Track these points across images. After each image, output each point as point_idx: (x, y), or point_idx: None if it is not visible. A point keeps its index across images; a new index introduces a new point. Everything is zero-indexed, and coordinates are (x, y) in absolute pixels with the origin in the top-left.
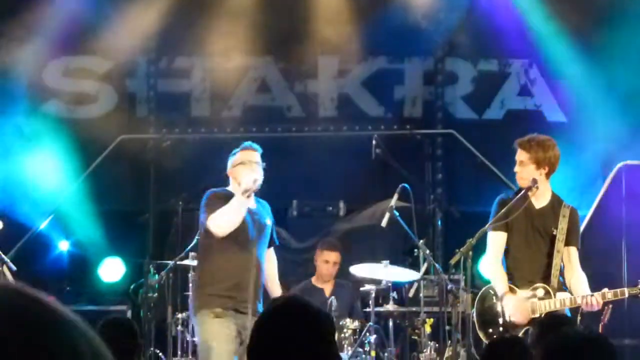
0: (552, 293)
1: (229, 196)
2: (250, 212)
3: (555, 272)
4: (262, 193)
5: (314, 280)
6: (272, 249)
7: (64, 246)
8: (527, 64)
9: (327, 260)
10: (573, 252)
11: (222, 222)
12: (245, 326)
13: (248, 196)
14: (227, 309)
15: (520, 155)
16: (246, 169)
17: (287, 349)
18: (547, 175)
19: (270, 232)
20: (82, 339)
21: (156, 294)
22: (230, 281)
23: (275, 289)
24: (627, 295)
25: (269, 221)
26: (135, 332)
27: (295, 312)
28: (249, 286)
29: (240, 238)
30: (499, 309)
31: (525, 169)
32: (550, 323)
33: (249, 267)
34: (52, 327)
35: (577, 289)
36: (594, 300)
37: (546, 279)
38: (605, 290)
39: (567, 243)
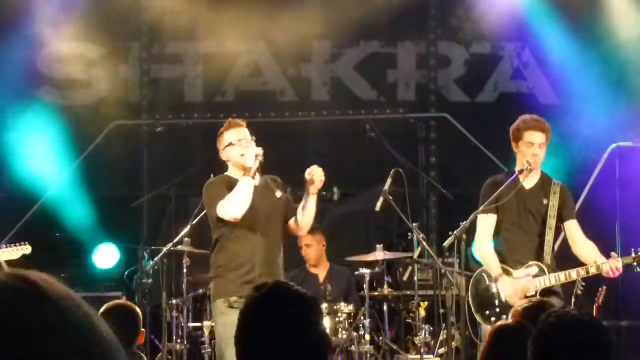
0: (546, 270)
1: (229, 181)
2: (255, 190)
3: (547, 249)
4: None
5: (308, 266)
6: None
7: (58, 233)
8: (520, 47)
9: (308, 245)
10: (573, 224)
11: (233, 206)
12: None
13: (253, 176)
14: (244, 297)
15: (539, 137)
16: (241, 148)
17: (272, 334)
18: None
19: (286, 204)
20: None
21: (151, 280)
22: (245, 267)
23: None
24: (622, 264)
25: (277, 195)
26: (138, 318)
27: (279, 297)
28: (264, 266)
29: (248, 220)
30: (494, 290)
31: (543, 150)
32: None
33: (262, 248)
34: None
35: (588, 258)
36: (614, 266)
37: (539, 257)
38: (590, 265)
39: (565, 218)
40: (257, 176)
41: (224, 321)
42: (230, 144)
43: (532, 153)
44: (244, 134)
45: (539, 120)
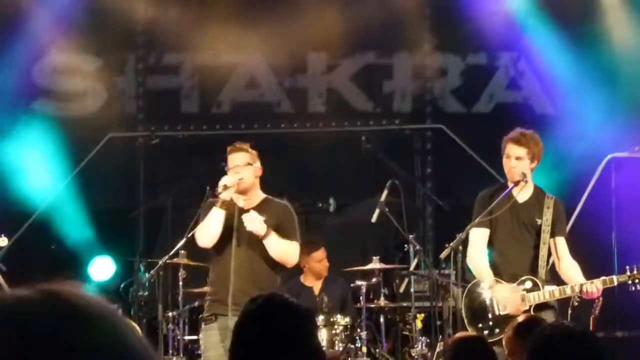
0: (540, 285)
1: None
2: (240, 212)
3: (542, 263)
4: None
5: (302, 278)
6: (287, 240)
7: (53, 245)
8: (515, 57)
9: (318, 260)
10: (561, 242)
11: (201, 236)
12: (226, 327)
13: (222, 206)
14: (212, 314)
15: (516, 150)
16: (224, 176)
17: (267, 346)
18: (534, 168)
19: (275, 229)
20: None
21: (147, 293)
22: (215, 286)
23: None
24: (616, 283)
25: (262, 218)
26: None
27: (275, 309)
28: (225, 289)
29: (224, 241)
30: (487, 303)
31: (521, 164)
32: (525, 328)
33: (229, 269)
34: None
35: (571, 278)
36: (594, 288)
37: (533, 271)
38: (605, 277)
39: (554, 234)
40: (249, 200)
41: (202, 336)
42: (226, 169)
43: (510, 165)
44: (238, 160)
45: (524, 134)
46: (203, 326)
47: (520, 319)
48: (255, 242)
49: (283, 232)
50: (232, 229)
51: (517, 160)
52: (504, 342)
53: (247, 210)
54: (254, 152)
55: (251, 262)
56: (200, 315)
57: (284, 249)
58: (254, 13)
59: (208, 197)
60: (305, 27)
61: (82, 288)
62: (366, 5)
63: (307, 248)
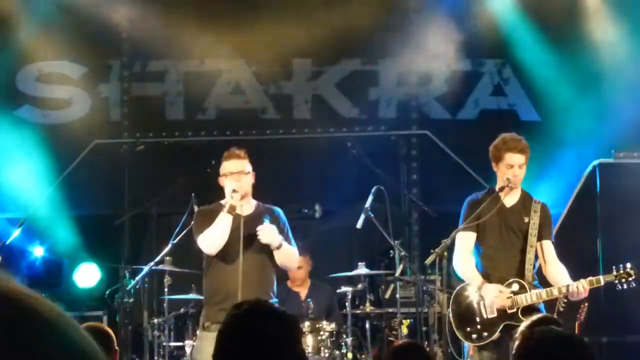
0: (527, 287)
1: (218, 210)
2: (241, 220)
3: (529, 266)
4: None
5: (289, 283)
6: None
7: (39, 252)
8: (500, 64)
9: (299, 267)
10: (548, 245)
11: (207, 243)
12: None
13: (231, 211)
14: (216, 322)
15: (519, 159)
16: (227, 182)
17: (251, 352)
18: None
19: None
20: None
21: (132, 299)
22: (220, 294)
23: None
24: (602, 283)
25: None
26: (111, 340)
27: (259, 315)
28: (231, 296)
29: (228, 249)
30: (475, 307)
31: (523, 170)
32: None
33: (236, 277)
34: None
35: (558, 281)
36: (580, 287)
37: (521, 274)
38: (591, 277)
39: (541, 237)
40: (247, 206)
41: (199, 343)
42: (224, 174)
43: (513, 174)
44: (238, 167)
45: (519, 140)
46: (201, 333)
47: (534, 318)
48: (260, 249)
49: (283, 236)
50: (237, 235)
51: (520, 168)
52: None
53: (248, 217)
54: (247, 158)
55: (258, 269)
56: (203, 323)
57: (290, 256)
58: (239, 20)
59: (193, 204)
60: (290, 33)
61: (17, 282)
62: (351, 12)
63: None
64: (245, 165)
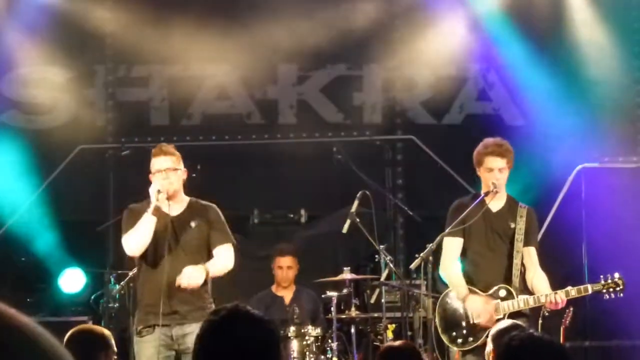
0: (514, 293)
1: (144, 211)
2: (170, 219)
3: (516, 272)
4: (224, 202)
5: (274, 288)
6: (218, 247)
7: (23, 257)
8: (485, 69)
9: (280, 266)
10: (532, 252)
11: (130, 243)
12: (171, 337)
13: (155, 213)
14: (150, 326)
15: (499, 162)
16: (154, 180)
17: (231, 359)
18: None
19: (207, 235)
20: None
21: (117, 304)
22: (150, 297)
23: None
24: (590, 292)
25: (192, 224)
26: (106, 340)
27: (239, 321)
28: (165, 298)
29: (156, 251)
30: (461, 312)
31: (504, 174)
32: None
33: (165, 279)
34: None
35: (538, 289)
36: (558, 298)
37: (507, 280)
38: (569, 287)
39: (526, 243)
40: (177, 205)
41: (136, 349)
42: (151, 172)
43: (495, 178)
44: (165, 164)
45: (500, 144)
46: (137, 339)
47: (501, 325)
48: (189, 250)
49: (216, 235)
50: (164, 237)
51: (500, 172)
52: (486, 352)
53: (177, 217)
54: (178, 154)
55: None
56: (135, 328)
57: (223, 267)
58: (224, 25)
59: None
60: (275, 38)
61: None
62: (336, 17)
63: (276, 251)
64: (173, 161)
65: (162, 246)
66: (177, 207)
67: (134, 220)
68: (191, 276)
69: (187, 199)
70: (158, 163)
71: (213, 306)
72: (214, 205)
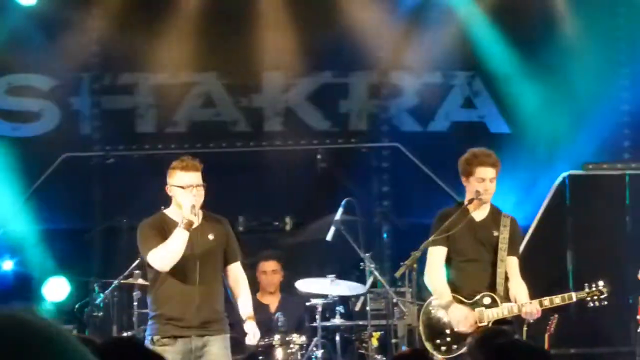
0: (498, 301)
1: (164, 221)
2: (191, 232)
3: (500, 280)
4: (209, 209)
5: (258, 296)
6: (235, 264)
7: (8, 266)
8: (470, 76)
9: (264, 271)
10: (514, 261)
11: (164, 259)
12: (190, 349)
13: (187, 228)
14: (167, 336)
15: (490, 172)
16: (185, 195)
17: None
18: None
19: (224, 249)
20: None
21: (101, 313)
22: (170, 308)
23: (243, 305)
24: (574, 300)
25: (210, 237)
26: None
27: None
28: (189, 310)
29: (178, 264)
30: (445, 319)
31: (494, 185)
32: (488, 336)
33: (188, 291)
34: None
35: (517, 298)
36: (534, 308)
37: (491, 288)
38: (564, 294)
39: (508, 253)
40: (196, 217)
41: None
42: (180, 186)
43: (484, 188)
44: (197, 180)
45: (490, 155)
46: (157, 348)
47: (483, 330)
48: (206, 262)
49: (230, 251)
50: (188, 249)
51: (491, 182)
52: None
53: (197, 230)
54: (201, 167)
55: (211, 283)
56: (152, 337)
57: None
58: (210, 33)
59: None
60: (261, 46)
61: (35, 310)
62: (322, 24)
63: (261, 257)
64: (199, 177)
65: (186, 258)
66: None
67: (157, 235)
68: (256, 333)
69: (200, 211)
70: (189, 178)
71: (227, 318)
72: (226, 219)
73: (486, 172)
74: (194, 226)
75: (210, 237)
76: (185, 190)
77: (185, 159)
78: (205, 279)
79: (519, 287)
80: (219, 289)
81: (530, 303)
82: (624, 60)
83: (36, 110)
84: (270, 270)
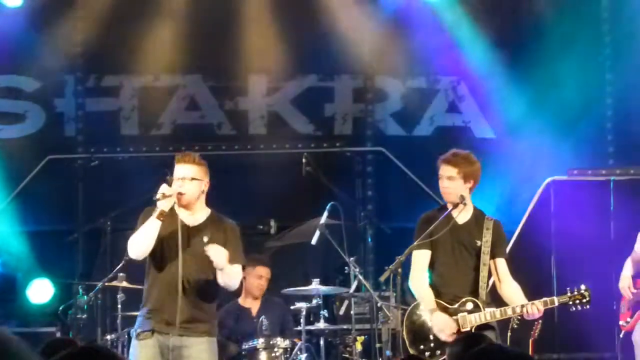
0: (481, 306)
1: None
2: (184, 228)
3: (482, 284)
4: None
5: (240, 300)
6: (233, 266)
7: None
8: (455, 81)
9: (260, 276)
10: (501, 263)
11: (133, 245)
12: (168, 346)
13: (160, 217)
14: (146, 330)
15: (448, 170)
16: (167, 186)
17: None
18: (472, 189)
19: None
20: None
21: (85, 315)
22: (153, 302)
23: None
24: (556, 304)
25: (204, 239)
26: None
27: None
28: (170, 307)
29: (168, 255)
30: (428, 325)
31: (453, 184)
32: (469, 342)
33: (172, 289)
34: None
35: (513, 299)
36: (534, 309)
37: (474, 292)
38: (546, 298)
39: (495, 255)
40: (197, 215)
41: (131, 350)
42: (174, 178)
43: (442, 186)
44: (184, 172)
45: (454, 154)
46: (136, 341)
47: (462, 336)
48: (199, 262)
49: (230, 253)
50: (176, 244)
51: (448, 180)
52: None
53: (193, 228)
54: (203, 163)
55: (196, 282)
56: (135, 330)
57: (233, 277)
58: (195, 35)
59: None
60: (246, 49)
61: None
62: (307, 28)
63: (252, 261)
64: (191, 170)
65: (173, 253)
66: (195, 217)
67: (142, 224)
68: (219, 252)
69: (208, 211)
70: (180, 170)
71: (216, 322)
72: (234, 223)
73: (443, 170)
74: (184, 219)
75: (205, 238)
76: (175, 182)
77: (184, 152)
78: (192, 279)
79: (513, 289)
80: (208, 291)
81: (520, 306)
82: (609, 66)
83: (20, 111)
84: (265, 275)
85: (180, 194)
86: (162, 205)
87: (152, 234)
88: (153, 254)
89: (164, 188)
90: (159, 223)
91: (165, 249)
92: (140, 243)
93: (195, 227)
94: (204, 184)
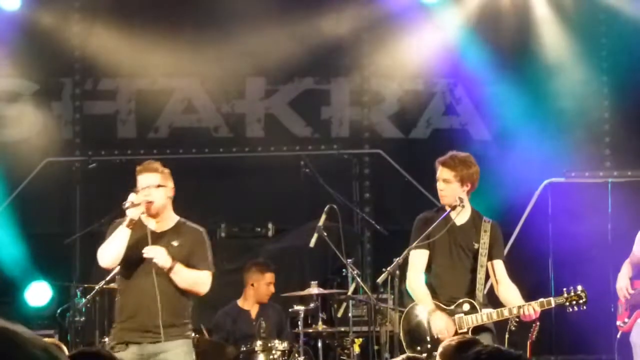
0: (478, 307)
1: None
2: (153, 236)
3: (479, 286)
4: (191, 215)
5: (240, 302)
6: (200, 272)
7: None
8: (452, 83)
9: (269, 282)
10: (499, 265)
11: (102, 256)
12: (141, 356)
13: (129, 226)
14: (120, 342)
15: (444, 173)
16: (134, 195)
17: None
18: (469, 191)
19: (187, 254)
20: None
21: (83, 318)
22: (126, 312)
23: None
24: (553, 305)
25: (174, 243)
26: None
27: None
28: (142, 315)
29: (135, 265)
30: (425, 326)
31: (449, 187)
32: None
33: (144, 296)
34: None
35: (510, 300)
36: (531, 310)
37: (471, 294)
38: (542, 299)
39: (492, 257)
40: (164, 222)
41: None
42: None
43: (438, 188)
44: (148, 181)
45: (454, 157)
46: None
47: (455, 339)
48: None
49: (195, 259)
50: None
51: (444, 182)
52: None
53: (160, 234)
54: (166, 171)
55: (168, 287)
56: (109, 343)
57: (192, 280)
58: (192, 38)
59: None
60: (243, 52)
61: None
62: (304, 31)
63: (261, 268)
64: (155, 178)
65: (140, 262)
66: (162, 224)
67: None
68: (156, 252)
69: (176, 218)
70: (142, 180)
71: (190, 326)
72: (202, 230)
73: (440, 172)
74: (151, 226)
75: (175, 243)
76: (141, 192)
77: (146, 162)
78: (163, 284)
79: (511, 291)
80: (179, 295)
81: (517, 307)
82: (606, 68)
83: (18, 115)
84: (272, 281)
85: (149, 202)
86: (132, 214)
87: (122, 243)
88: (123, 263)
89: (132, 197)
90: (128, 231)
91: (135, 258)
92: (111, 252)
93: (162, 234)
94: (170, 190)
